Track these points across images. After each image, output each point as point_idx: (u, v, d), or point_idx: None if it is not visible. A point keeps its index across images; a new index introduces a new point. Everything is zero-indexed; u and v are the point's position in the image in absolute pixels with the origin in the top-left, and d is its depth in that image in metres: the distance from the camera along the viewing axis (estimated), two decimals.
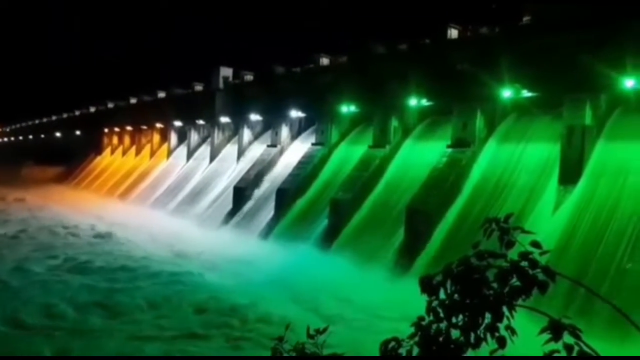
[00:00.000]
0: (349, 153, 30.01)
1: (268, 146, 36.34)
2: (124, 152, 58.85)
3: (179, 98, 50.15)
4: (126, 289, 19.28)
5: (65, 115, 78.05)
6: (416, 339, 2.73)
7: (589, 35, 18.34)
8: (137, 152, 55.62)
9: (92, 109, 70.13)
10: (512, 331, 2.71)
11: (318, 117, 32.72)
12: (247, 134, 39.69)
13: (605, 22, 18.00)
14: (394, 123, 27.27)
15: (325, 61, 34.82)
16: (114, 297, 18.00)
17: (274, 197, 30.71)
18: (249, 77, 42.37)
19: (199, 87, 48.33)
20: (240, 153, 39.43)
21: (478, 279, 2.65)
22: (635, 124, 18.55)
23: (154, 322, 16.10)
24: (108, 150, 63.22)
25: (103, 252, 26.03)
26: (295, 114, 35.08)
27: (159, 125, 51.93)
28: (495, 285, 2.69)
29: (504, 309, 2.64)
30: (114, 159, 60.57)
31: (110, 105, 64.91)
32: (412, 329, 2.80)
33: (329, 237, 25.39)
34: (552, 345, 2.59)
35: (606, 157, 18.66)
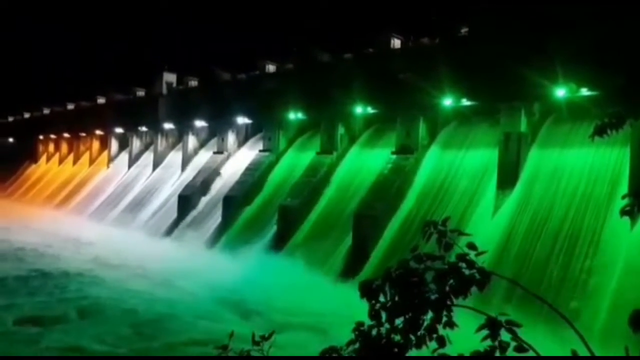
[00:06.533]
0: (297, 160, 30.03)
1: (214, 153, 35.77)
2: (61, 160, 56.22)
3: (120, 104, 48.52)
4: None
5: None
6: (356, 345, 2.73)
7: (523, 46, 19.28)
8: (75, 160, 53.28)
9: (27, 115, 66.68)
10: (451, 327, 2.77)
11: (265, 124, 32.59)
12: (192, 141, 38.90)
13: (538, 34, 18.99)
14: (341, 130, 27.58)
15: (271, 68, 34.77)
16: None
17: (221, 204, 30.23)
18: (193, 83, 41.63)
19: (141, 93, 46.99)
20: (185, 160, 38.57)
21: (416, 282, 2.69)
22: (566, 131, 19.63)
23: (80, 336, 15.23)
24: (44, 158, 60.23)
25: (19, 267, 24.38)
26: (241, 120, 34.75)
27: (98, 132, 49.99)
28: (434, 286, 2.75)
29: (443, 309, 2.70)
30: (50, 167, 57.77)
31: (46, 111, 61.97)
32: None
33: (278, 244, 25.25)
34: (490, 342, 2.68)
35: (540, 163, 19.64)
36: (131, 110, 45.33)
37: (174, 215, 33.46)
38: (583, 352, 2.94)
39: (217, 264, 24.31)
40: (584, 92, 18.63)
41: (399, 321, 2.72)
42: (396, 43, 26.79)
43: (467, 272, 2.75)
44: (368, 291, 2.77)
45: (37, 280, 21.78)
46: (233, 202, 29.67)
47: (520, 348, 2.73)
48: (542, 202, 18.32)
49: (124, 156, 46.00)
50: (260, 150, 32.05)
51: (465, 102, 22.71)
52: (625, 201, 3.40)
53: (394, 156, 23.93)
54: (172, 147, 41.63)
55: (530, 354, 2.82)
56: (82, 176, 49.73)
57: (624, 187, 16.16)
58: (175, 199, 34.27)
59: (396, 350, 2.68)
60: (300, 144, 31.30)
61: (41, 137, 60.71)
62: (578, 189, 17.72)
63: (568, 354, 2.90)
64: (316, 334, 15.28)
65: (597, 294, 14.81)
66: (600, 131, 4.00)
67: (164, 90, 42.25)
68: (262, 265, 23.44)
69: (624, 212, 3.40)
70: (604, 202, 16.70)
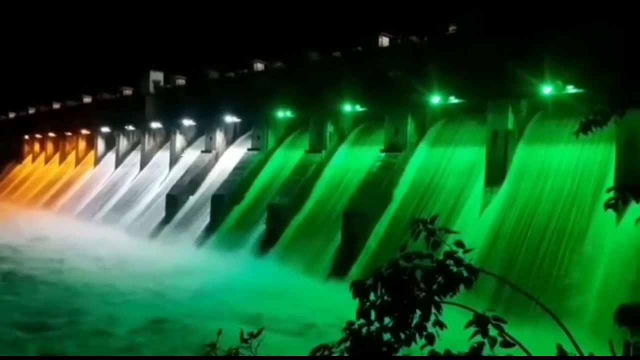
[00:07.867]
0: (286, 158, 29.99)
1: (202, 152, 35.58)
2: (47, 160, 55.60)
3: (107, 103, 48.10)
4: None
5: None
6: (347, 344, 2.73)
7: (510, 44, 19.41)
8: (61, 160, 52.74)
9: (12, 115, 65.87)
10: (441, 327, 2.78)
11: (254, 123, 32.47)
12: (179, 140, 38.66)
13: (525, 32, 19.13)
14: (330, 128, 27.57)
15: (260, 66, 34.63)
16: None
17: (209, 204, 30.09)
18: (181, 82, 41.36)
19: (127, 92, 46.60)
20: (173, 159, 38.32)
21: (406, 280, 2.69)
22: (552, 128, 19.81)
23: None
24: (29, 158, 59.53)
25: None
26: (230, 119, 34.61)
27: (84, 131, 49.51)
28: (423, 284, 2.75)
29: (432, 306, 2.70)
30: (36, 167, 57.10)
31: (31, 110, 61.24)
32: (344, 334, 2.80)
33: (267, 244, 25.20)
34: (478, 338, 2.69)
35: (527, 160, 19.79)
36: (118, 109, 44.96)
37: (162, 214, 33.23)
38: (570, 347, 2.95)
39: (206, 264, 24.19)
40: (570, 89, 18.82)
41: (388, 320, 2.72)
42: (384, 41, 26.83)
43: (455, 269, 2.76)
44: (360, 291, 2.77)
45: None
46: (221, 201, 29.54)
47: (507, 344, 2.75)
48: (530, 199, 18.47)
49: (111, 155, 45.61)
50: (248, 149, 31.95)
51: (454, 99, 22.82)
52: (611, 195, 3.43)
53: (383, 154, 23.99)
54: (160, 146, 41.33)
55: (517, 349, 2.83)
56: (68, 176, 49.24)
57: (609, 184, 16.32)
58: (163, 199, 34.04)
59: (385, 349, 2.68)
60: (289, 142, 31.25)
61: (26, 136, 60.01)
62: (565, 186, 17.88)
63: (555, 350, 2.91)
64: (304, 333, 15.28)
65: (584, 288, 14.97)
66: (585, 128, 4.03)
67: (151, 89, 41.93)
68: (251, 264, 23.37)
69: (608, 205, 3.44)
70: (590, 198, 16.88)
